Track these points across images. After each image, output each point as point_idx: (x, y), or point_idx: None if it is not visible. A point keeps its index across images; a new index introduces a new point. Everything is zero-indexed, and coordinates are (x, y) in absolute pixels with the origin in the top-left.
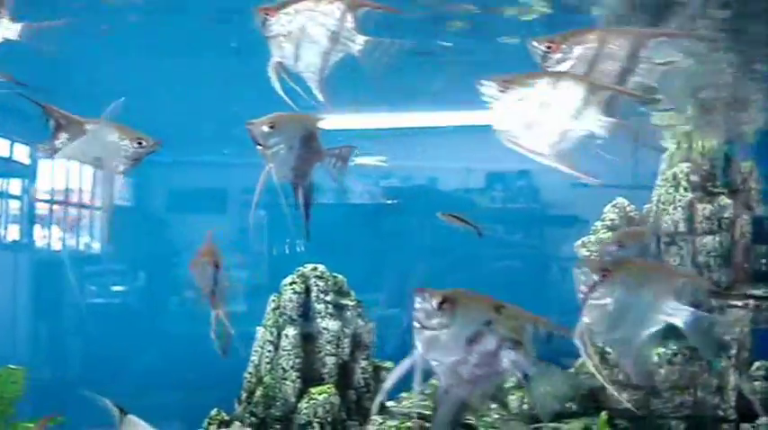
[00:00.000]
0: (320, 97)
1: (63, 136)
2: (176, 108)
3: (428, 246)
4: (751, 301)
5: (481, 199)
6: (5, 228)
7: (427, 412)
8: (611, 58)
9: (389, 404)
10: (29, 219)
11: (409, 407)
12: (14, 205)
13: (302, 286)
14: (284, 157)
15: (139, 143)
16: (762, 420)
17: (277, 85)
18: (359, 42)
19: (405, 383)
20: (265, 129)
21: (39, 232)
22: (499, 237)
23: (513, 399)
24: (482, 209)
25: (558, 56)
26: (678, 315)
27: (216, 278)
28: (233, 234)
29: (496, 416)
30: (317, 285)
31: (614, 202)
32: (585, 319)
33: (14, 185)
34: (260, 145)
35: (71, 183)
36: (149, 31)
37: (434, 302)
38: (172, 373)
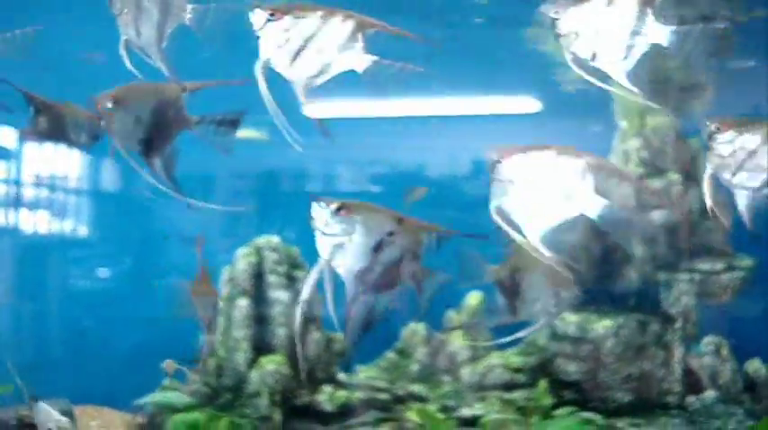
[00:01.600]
0: (163, 69)
1: (42, 120)
2: None
3: None
4: (697, 275)
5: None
6: None
7: (381, 384)
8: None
9: (341, 376)
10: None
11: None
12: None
13: (255, 257)
14: (131, 131)
15: (100, 120)
16: (707, 393)
17: (128, 64)
18: (188, 11)
19: (361, 357)
20: (109, 104)
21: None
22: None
23: (465, 372)
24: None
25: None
26: (592, 206)
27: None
28: (222, 220)
29: (449, 388)
30: (270, 257)
31: None
32: (494, 202)
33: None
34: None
35: (57, 168)
36: None
37: (332, 207)
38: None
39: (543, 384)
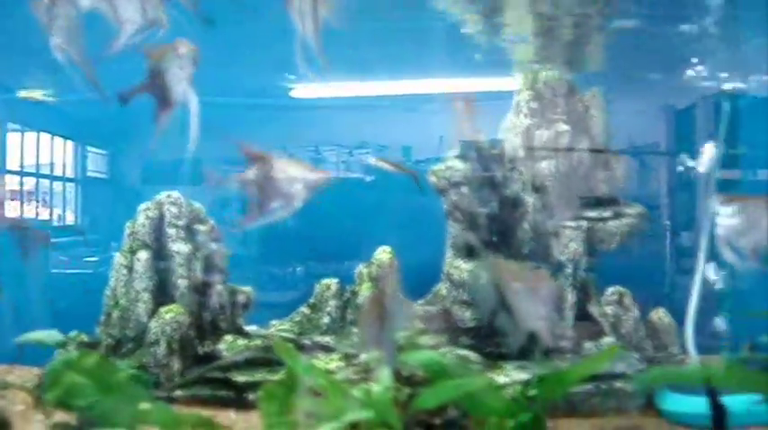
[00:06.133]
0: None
1: (253, 169)
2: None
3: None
4: (584, 222)
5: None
6: None
7: (287, 335)
8: None
9: (251, 328)
10: None
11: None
12: None
13: (156, 212)
14: None
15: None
16: (606, 340)
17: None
18: None
19: (275, 311)
20: None
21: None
22: None
23: None
24: None
25: None
26: None
27: None
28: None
29: (356, 339)
30: (170, 211)
31: None
32: None
33: None
34: None
35: (41, 157)
36: None
37: None
38: None
39: (418, 327)
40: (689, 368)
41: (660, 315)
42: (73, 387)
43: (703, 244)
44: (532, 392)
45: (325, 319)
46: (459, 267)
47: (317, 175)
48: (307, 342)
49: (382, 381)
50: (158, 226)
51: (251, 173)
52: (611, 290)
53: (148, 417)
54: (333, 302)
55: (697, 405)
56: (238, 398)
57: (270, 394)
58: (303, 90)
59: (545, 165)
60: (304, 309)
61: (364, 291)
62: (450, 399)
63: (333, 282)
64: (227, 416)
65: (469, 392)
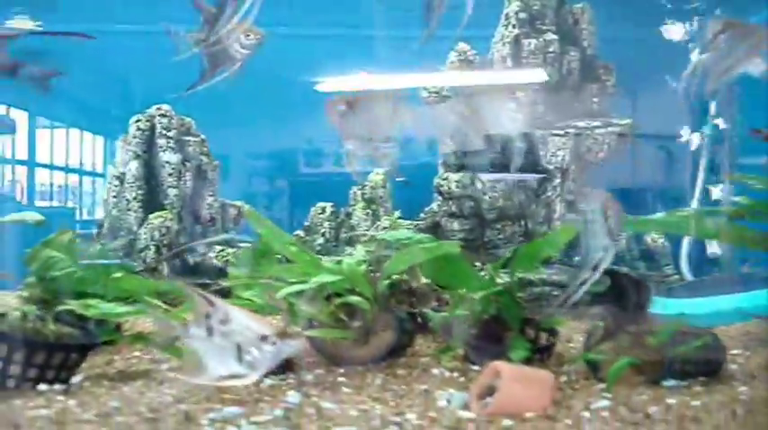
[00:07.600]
0: None
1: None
2: None
3: None
4: (571, 131)
5: None
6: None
7: None
8: None
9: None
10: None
11: None
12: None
13: (147, 124)
14: None
15: (247, 35)
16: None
17: None
18: None
19: None
20: None
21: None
22: None
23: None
24: None
25: None
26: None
27: None
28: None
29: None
30: (160, 122)
31: (457, 48)
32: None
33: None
34: None
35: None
36: None
37: None
38: None
39: (395, 218)
40: (673, 216)
41: (654, 236)
42: (48, 260)
43: (703, 163)
44: (504, 269)
45: (320, 241)
46: (448, 178)
47: (253, 35)
48: None
49: (356, 256)
50: (149, 137)
51: (204, 35)
52: None
53: (119, 284)
54: (327, 224)
55: (682, 307)
56: None
57: (239, 260)
58: (328, 84)
59: (535, 74)
60: (299, 232)
61: (359, 212)
62: (418, 262)
63: (327, 205)
64: None
65: (442, 268)
